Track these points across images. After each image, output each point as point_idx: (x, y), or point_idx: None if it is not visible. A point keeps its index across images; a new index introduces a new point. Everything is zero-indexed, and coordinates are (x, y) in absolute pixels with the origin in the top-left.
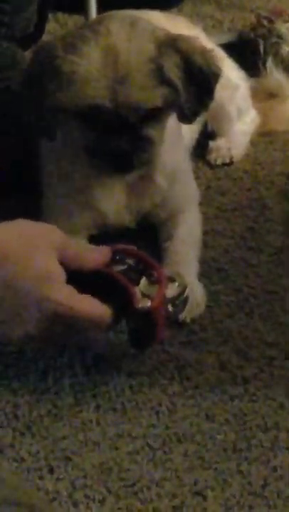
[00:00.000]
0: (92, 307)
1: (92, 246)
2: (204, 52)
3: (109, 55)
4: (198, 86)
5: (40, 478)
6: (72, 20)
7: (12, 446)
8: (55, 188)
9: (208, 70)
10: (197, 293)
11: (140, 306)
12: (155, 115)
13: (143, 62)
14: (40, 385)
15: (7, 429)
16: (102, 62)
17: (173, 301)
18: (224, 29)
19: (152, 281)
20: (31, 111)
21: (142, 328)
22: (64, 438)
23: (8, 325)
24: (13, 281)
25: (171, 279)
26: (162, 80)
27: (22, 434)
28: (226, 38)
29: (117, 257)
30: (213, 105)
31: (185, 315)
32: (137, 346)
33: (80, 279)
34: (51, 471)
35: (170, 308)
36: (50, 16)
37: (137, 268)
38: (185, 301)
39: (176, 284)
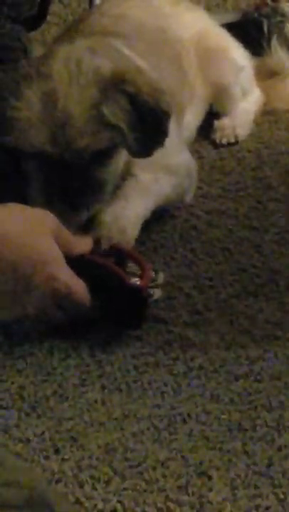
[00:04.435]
0: (86, 292)
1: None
2: (153, 91)
3: (49, 100)
4: (148, 125)
5: (46, 458)
6: (76, 1)
7: (17, 426)
8: None
9: (158, 109)
10: (121, 221)
11: (131, 282)
12: (104, 155)
13: (83, 108)
14: (46, 365)
15: (12, 409)
16: (42, 108)
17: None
18: (228, 8)
19: (129, 271)
20: None
21: (131, 307)
22: (69, 418)
23: (7, 307)
24: (19, 264)
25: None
26: (106, 123)
27: (27, 414)
28: (230, 17)
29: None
30: (216, 86)
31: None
32: (124, 327)
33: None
34: (57, 451)
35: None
36: None
37: (111, 259)
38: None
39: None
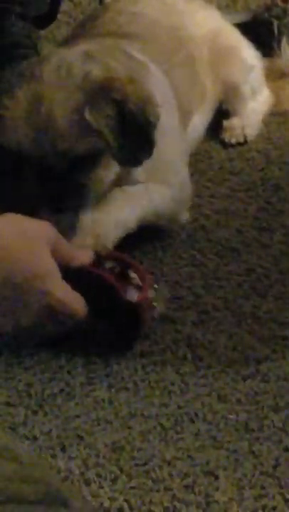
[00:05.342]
0: (81, 305)
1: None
2: (141, 100)
3: (34, 102)
4: (134, 134)
5: (53, 456)
6: (87, 0)
7: (25, 424)
8: None
9: (144, 119)
10: (97, 226)
11: (128, 297)
12: (87, 160)
13: (66, 112)
14: (53, 363)
15: (20, 407)
16: (28, 109)
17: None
18: (238, 9)
19: (130, 282)
20: None
21: (128, 322)
22: (76, 417)
23: (1, 319)
24: (13, 278)
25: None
26: (89, 128)
27: (35, 412)
28: (240, 17)
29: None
30: (226, 85)
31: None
32: (122, 341)
33: (65, 275)
34: (63, 449)
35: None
36: None
37: (114, 270)
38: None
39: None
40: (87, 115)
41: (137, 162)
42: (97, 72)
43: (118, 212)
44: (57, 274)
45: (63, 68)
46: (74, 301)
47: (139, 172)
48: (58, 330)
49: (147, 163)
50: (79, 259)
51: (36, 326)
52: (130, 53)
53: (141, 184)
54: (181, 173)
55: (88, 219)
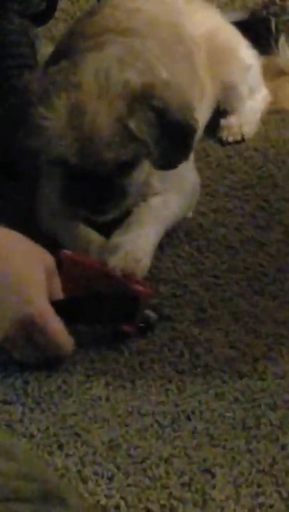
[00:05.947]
0: (61, 332)
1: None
2: (181, 106)
3: (76, 112)
4: (175, 140)
5: (50, 454)
6: None
7: (21, 421)
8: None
9: (185, 124)
10: (137, 250)
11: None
12: (128, 165)
13: (110, 121)
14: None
15: (17, 404)
16: (70, 120)
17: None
18: (236, 7)
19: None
20: None
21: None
22: (73, 414)
23: None
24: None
25: None
26: (132, 136)
27: (31, 409)
28: (238, 15)
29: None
30: (224, 85)
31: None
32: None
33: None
34: (60, 447)
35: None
36: None
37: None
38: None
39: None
40: (132, 125)
41: (173, 165)
42: (135, 78)
43: (150, 235)
44: (43, 289)
45: (101, 76)
46: (61, 333)
47: (156, 181)
48: (34, 356)
49: (164, 173)
50: (59, 295)
51: (8, 344)
52: (146, 57)
53: (159, 197)
54: (193, 178)
55: (127, 242)
